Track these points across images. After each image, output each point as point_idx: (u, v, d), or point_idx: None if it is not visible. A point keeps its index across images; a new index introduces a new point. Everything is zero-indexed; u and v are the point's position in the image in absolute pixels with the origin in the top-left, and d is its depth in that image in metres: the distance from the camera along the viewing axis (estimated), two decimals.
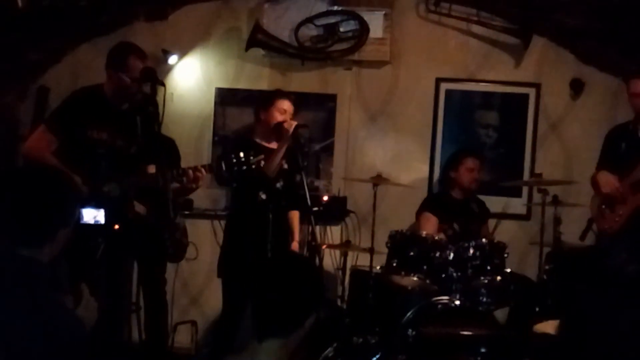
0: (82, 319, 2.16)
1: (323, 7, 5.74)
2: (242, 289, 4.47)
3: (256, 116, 4.77)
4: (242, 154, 4.04)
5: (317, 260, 4.71)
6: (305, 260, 4.92)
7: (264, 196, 4.59)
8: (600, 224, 4.74)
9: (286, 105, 4.65)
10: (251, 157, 4.04)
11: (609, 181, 4.60)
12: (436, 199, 5.48)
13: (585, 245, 4.98)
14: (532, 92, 5.80)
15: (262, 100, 4.81)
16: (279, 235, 4.61)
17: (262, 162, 4.14)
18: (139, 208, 4.08)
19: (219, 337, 4.70)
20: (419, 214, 5.34)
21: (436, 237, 4.64)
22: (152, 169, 4.09)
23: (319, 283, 4.57)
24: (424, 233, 4.73)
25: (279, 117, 4.59)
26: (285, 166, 4.70)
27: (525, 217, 5.80)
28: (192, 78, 5.90)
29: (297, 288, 4.43)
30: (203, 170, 4.14)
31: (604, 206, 4.67)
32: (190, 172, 4.10)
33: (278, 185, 4.67)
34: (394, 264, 4.59)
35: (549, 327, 3.81)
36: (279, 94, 4.78)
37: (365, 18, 5.67)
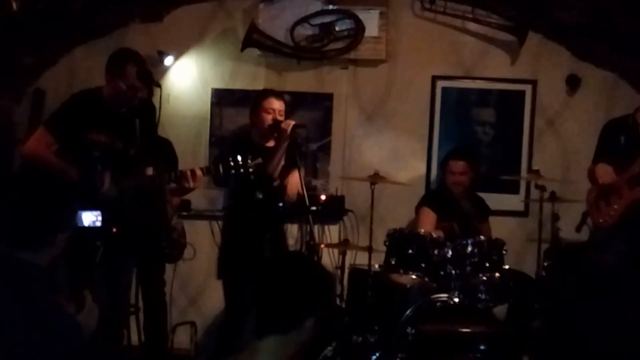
0: (82, 324, 2.16)
1: (318, 7, 5.73)
2: (243, 290, 4.44)
3: (250, 119, 4.72)
4: (239, 158, 4.03)
5: (315, 259, 4.69)
6: (304, 257, 4.89)
7: (260, 195, 4.55)
8: (595, 217, 4.72)
9: (275, 104, 4.54)
10: (249, 161, 4.04)
11: (606, 172, 4.59)
12: (435, 196, 5.47)
13: (582, 242, 4.97)
14: (528, 88, 5.79)
15: (251, 102, 4.76)
16: (276, 234, 4.59)
17: (259, 166, 4.12)
18: (149, 171, 4.08)
19: (222, 339, 4.66)
20: (418, 208, 5.34)
21: (434, 235, 4.64)
22: (149, 171, 4.09)
23: (322, 279, 4.57)
24: (422, 231, 4.73)
25: (267, 118, 4.50)
26: (282, 162, 4.66)
27: (523, 213, 5.79)
28: (188, 79, 5.89)
29: (296, 286, 4.41)
30: (200, 172, 4.14)
31: (599, 199, 4.67)
32: (188, 173, 4.10)
33: (274, 184, 4.64)
34: (393, 262, 4.59)
35: None
36: (263, 94, 4.67)
37: (361, 17, 5.66)
